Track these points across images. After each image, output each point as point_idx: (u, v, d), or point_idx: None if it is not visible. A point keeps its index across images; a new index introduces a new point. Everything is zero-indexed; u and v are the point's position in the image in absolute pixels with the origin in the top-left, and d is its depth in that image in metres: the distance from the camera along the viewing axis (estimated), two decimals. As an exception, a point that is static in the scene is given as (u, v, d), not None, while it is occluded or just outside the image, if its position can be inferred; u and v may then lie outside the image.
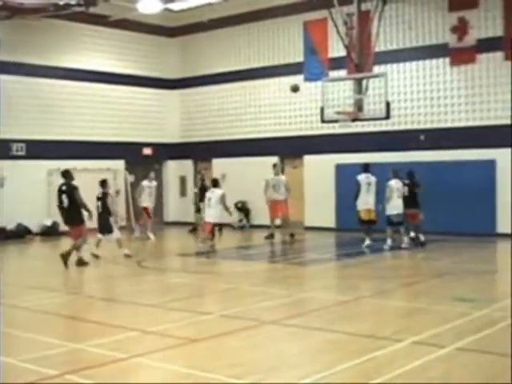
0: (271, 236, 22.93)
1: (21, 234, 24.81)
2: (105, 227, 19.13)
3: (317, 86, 24.96)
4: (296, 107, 27.39)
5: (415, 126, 24.36)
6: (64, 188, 17.63)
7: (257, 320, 10.68)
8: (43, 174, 26.03)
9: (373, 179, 20.60)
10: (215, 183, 20.12)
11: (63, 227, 25.53)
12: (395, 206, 19.88)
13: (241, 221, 28.24)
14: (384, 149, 24.48)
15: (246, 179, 28.01)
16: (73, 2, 24.48)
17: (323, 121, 21.97)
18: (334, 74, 25.23)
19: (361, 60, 21.77)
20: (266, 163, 27.17)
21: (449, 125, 23.65)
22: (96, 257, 18.83)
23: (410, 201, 20.04)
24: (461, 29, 23.06)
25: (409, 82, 24.60)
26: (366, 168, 20.83)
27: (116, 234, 19.28)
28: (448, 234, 22.26)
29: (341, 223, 25.49)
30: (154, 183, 25.55)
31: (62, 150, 26.67)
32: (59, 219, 25.75)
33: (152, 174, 25.84)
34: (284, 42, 27.69)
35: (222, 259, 19.53)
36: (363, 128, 24.68)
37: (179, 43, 31.28)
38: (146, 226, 25.07)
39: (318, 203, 23.88)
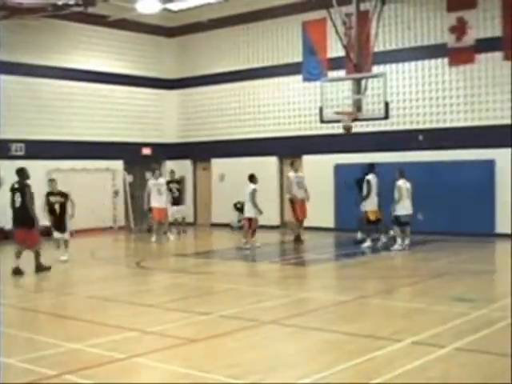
0: (298, 239, 22.14)
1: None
2: (61, 226, 18.98)
3: (316, 86, 24.96)
4: (295, 107, 27.38)
5: (414, 126, 24.35)
6: (16, 186, 16.81)
7: (256, 320, 10.68)
8: (42, 174, 25.98)
9: (376, 179, 20.66)
10: (251, 178, 20.68)
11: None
12: (405, 207, 19.82)
13: (240, 221, 28.19)
14: (383, 149, 24.46)
15: (245, 179, 27.94)
16: (71, 2, 24.45)
17: (322, 121, 21.98)
18: (332, 74, 25.21)
19: (360, 60, 21.77)
20: (264, 163, 27.24)
21: (448, 125, 23.65)
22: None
23: None
24: (459, 29, 23.06)
25: (408, 82, 24.59)
26: (372, 168, 20.83)
27: (67, 235, 19.05)
28: (447, 234, 22.26)
29: (340, 223, 25.50)
30: (162, 180, 24.37)
31: (60, 150, 26.66)
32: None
33: (157, 172, 24.97)
34: (283, 42, 27.69)
35: (221, 259, 19.54)
36: (362, 128, 24.64)
37: (178, 43, 31.27)
38: (157, 227, 23.94)
39: (317, 203, 23.85)
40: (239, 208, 28.23)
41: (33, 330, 10.43)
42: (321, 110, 21.65)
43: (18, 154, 25.71)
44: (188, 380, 7.75)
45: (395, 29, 24.78)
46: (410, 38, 24.51)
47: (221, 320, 10.91)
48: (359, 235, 21.35)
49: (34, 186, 22.61)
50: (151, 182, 24.38)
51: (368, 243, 20.40)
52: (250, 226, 20.72)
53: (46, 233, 19.39)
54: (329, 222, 25.68)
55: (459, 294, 12.50)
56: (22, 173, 16.99)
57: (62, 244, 18.95)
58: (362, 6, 22.23)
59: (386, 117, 20.91)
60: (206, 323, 10.77)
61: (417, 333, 9.58)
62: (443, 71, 23.76)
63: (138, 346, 9.31)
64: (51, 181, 19.75)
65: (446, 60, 23.57)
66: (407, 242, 19.87)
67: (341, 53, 23.48)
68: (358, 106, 21.61)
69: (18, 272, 16.18)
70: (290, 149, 27.31)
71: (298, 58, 26.71)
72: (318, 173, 25.94)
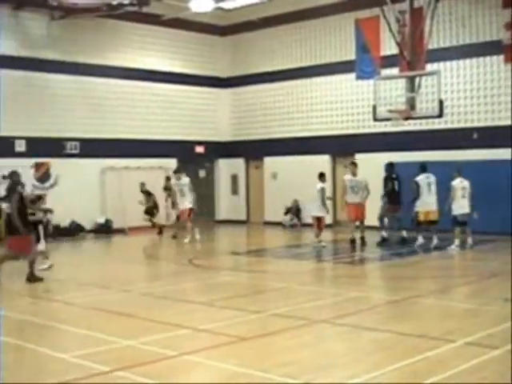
0: (353, 241, 21.39)
1: (74, 231, 25.10)
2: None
3: (369, 85, 24.82)
4: (348, 105, 27.28)
5: (468, 124, 24.06)
6: (5, 193, 15.70)
7: (307, 319, 10.67)
8: (96, 172, 26.34)
9: (433, 179, 20.43)
10: (320, 177, 20.73)
11: (117, 224, 26.16)
12: (461, 206, 19.52)
13: (292, 219, 28.21)
14: (436, 147, 24.23)
15: (297, 178, 27.98)
16: (126, 2, 24.73)
17: (375, 119, 21.86)
18: (386, 72, 25.01)
19: (413, 58, 21.58)
20: (317, 162, 27.13)
21: (502, 123, 23.32)
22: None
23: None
24: (515, 25, 22.73)
25: (462, 80, 24.33)
26: (424, 168, 20.66)
27: (42, 244, 17.04)
28: (502, 234, 21.92)
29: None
30: (185, 180, 23.38)
31: (114, 149, 26.96)
32: (113, 217, 26.33)
33: (179, 171, 24.01)
34: (335, 40, 27.60)
35: (273, 258, 19.56)
36: (415, 126, 24.48)
37: (231, 42, 31.38)
38: (187, 227, 23.13)
39: (370, 202, 23.66)
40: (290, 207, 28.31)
41: (85, 326, 10.55)
42: (374, 108, 21.53)
43: (73, 152, 26.05)
44: (240, 378, 7.78)
45: (449, 26, 24.53)
46: (465, 35, 24.23)
47: (272, 318, 10.93)
48: (404, 233, 21.20)
49: (88, 184, 23.05)
50: (172, 182, 24.20)
51: (420, 241, 20.28)
52: (319, 226, 20.74)
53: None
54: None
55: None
56: (12, 177, 15.72)
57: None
58: (416, 3, 22.02)
59: (440, 115, 20.69)
60: (258, 321, 10.80)
61: (469, 333, 9.49)
62: (498, 68, 23.44)
63: (191, 343, 9.37)
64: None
65: (501, 57, 23.23)
66: (470, 241, 19.61)
67: (394, 50, 23.29)
68: (411, 104, 21.42)
69: None
70: (342, 147, 27.21)
71: (351, 56, 26.53)
72: (370, 171, 25.77)
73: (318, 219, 20.71)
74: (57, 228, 24.53)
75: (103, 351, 8.95)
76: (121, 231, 26.06)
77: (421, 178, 20.40)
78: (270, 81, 29.73)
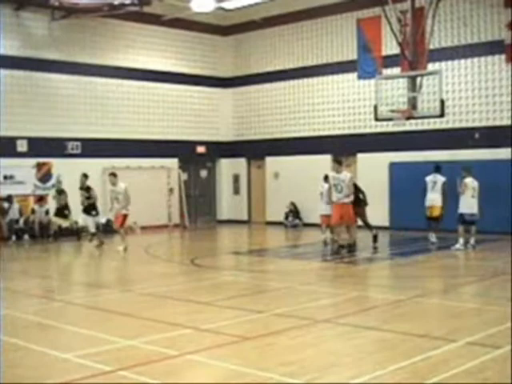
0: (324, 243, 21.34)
1: (76, 231, 25.05)
2: None
3: (370, 84, 24.85)
4: (349, 105, 27.29)
5: (470, 124, 24.07)
6: None
7: (309, 319, 10.66)
8: (98, 172, 26.33)
9: (439, 178, 20.53)
10: (325, 179, 20.40)
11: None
12: (469, 205, 19.47)
13: (293, 220, 28.20)
14: (438, 147, 24.25)
15: (298, 177, 27.99)
16: (127, 2, 24.77)
17: (377, 119, 21.88)
18: (387, 71, 25.03)
19: (415, 57, 21.60)
20: (319, 161, 27.14)
21: (504, 122, 23.32)
22: None
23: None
24: (517, 25, 22.74)
25: (463, 80, 24.33)
26: (437, 168, 20.64)
27: None
28: (506, 233, 21.88)
29: (395, 222, 25.34)
30: (121, 187, 20.84)
31: (116, 148, 27.03)
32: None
33: (114, 175, 21.16)
34: (337, 39, 27.61)
35: (274, 257, 19.55)
36: (417, 126, 24.50)
37: (233, 42, 31.38)
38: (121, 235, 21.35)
39: (372, 201, 23.66)
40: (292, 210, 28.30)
41: (87, 326, 10.54)
42: (375, 107, 21.55)
43: (75, 152, 26.07)
44: (243, 377, 7.76)
45: (451, 25, 24.54)
46: (466, 35, 24.24)
47: (274, 318, 10.92)
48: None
49: (90, 183, 22.97)
50: (109, 188, 21.63)
51: (432, 240, 20.64)
52: (328, 223, 20.66)
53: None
54: (384, 220, 25.46)
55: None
56: None
57: None
58: (418, 3, 22.05)
59: (442, 115, 20.71)
60: (260, 321, 10.78)
61: (472, 333, 9.47)
62: (500, 68, 23.44)
63: (193, 343, 9.35)
64: None
65: (502, 57, 23.24)
66: (472, 241, 19.59)
67: (396, 50, 23.32)
68: (413, 103, 21.44)
69: None
70: (344, 147, 27.23)
71: (353, 56, 26.59)
72: (372, 171, 25.82)
73: (327, 217, 20.63)
74: (59, 228, 24.55)
75: (105, 351, 8.93)
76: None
77: (429, 178, 20.49)
78: (272, 80, 29.75)
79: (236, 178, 31.59)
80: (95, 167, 26.15)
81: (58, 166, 25.30)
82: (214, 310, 11.72)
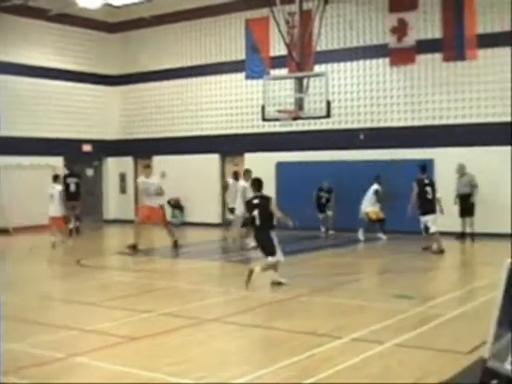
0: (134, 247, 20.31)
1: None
2: None
3: (258, 84, 25.00)
4: (237, 105, 27.38)
5: (355, 125, 24.54)
6: None
7: (197, 318, 10.65)
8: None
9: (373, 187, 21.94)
10: (235, 175, 21.06)
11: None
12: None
13: (176, 217, 28.10)
14: (324, 147, 24.61)
15: (186, 176, 27.92)
16: (12, -5, 24.13)
17: (264, 119, 22.03)
18: (275, 72, 25.27)
19: (302, 59, 21.86)
20: (207, 161, 27.17)
21: (388, 124, 23.89)
22: None
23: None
24: (400, 30, 23.30)
25: (349, 82, 24.78)
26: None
27: None
28: (394, 232, 22.24)
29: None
30: (58, 188, 21.36)
31: (2, 147, 26.19)
32: None
33: (56, 178, 21.85)
34: (226, 39, 27.65)
35: (161, 257, 19.46)
36: (304, 127, 24.80)
37: (121, 39, 30.99)
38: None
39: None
40: (174, 205, 28.17)
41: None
42: (263, 108, 21.69)
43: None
44: (129, 379, 7.69)
45: (337, 28, 24.95)
46: (352, 38, 24.70)
47: (162, 318, 10.85)
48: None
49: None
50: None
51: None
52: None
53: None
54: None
55: (399, 291, 12.65)
56: None
57: None
58: (305, 5, 22.32)
59: (328, 115, 21.03)
60: (148, 321, 10.70)
61: (357, 329, 9.64)
62: (384, 71, 24.00)
63: (79, 344, 9.19)
64: None
65: (387, 60, 23.81)
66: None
67: (283, 51, 23.55)
68: (299, 104, 21.69)
69: None
70: (232, 146, 27.32)
71: (241, 56, 26.71)
72: (259, 170, 25.93)
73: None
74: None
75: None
76: (4, 231, 25.31)
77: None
78: (160, 79, 29.55)
79: (123, 177, 31.25)
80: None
81: None
82: (101, 310, 11.56)
